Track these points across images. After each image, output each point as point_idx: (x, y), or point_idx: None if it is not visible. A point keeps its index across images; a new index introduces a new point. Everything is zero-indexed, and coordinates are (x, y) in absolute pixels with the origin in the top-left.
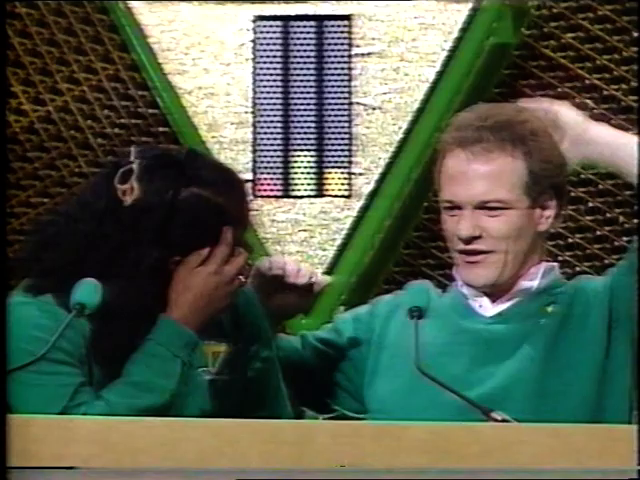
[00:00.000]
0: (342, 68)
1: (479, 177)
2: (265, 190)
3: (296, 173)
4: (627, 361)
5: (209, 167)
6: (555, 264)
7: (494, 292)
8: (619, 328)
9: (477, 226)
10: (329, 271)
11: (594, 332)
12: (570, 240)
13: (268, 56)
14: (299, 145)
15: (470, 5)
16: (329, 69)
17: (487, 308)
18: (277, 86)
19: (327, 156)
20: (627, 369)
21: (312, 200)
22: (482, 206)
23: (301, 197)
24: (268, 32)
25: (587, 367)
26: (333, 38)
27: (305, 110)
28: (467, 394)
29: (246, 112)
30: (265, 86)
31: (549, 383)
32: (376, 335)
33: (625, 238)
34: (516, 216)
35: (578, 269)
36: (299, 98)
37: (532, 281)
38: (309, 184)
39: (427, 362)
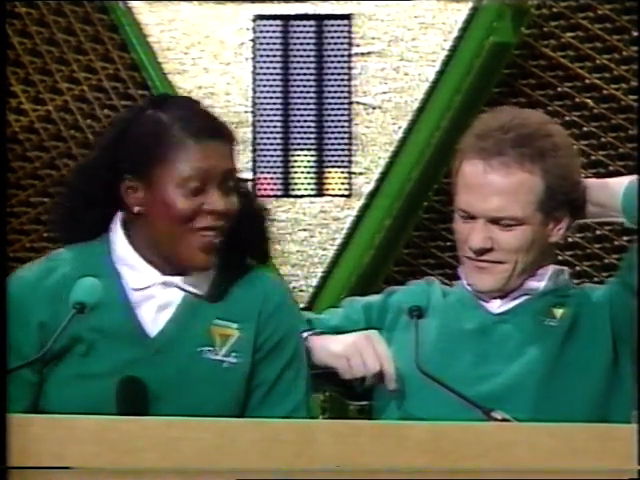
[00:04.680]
0: (342, 67)
1: (495, 192)
2: (265, 189)
3: (296, 172)
4: (631, 368)
5: (192, 107)
6: (565, 268)
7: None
8: (622, 338)
9: (489, 238)
10: (329, 270)
11: (601, 337)
12: (570, 239)
13: (268, 55)
14: (299, 144)
15: (470, 4)
16: (329, 68)
17: (494, 304)
18: (277, 85)
19: (327, 155)
20: (631, 376)
21: (312, 199)
22: (496, 220)
23: (301, 196)
24: (268, 31)
25: (594, 371)
26: (333, 37)
27: (305, 109)
28: (473, 390)
29: (246, 111)
30: (265, 85)
31: (555, 384)
32: (385, 330)
33: (625, 238)
34: (529, 231)
35: (578, 269)
36: (299, 97)
37: (540, 282)
38: (309, 183)
39: (433, 358)
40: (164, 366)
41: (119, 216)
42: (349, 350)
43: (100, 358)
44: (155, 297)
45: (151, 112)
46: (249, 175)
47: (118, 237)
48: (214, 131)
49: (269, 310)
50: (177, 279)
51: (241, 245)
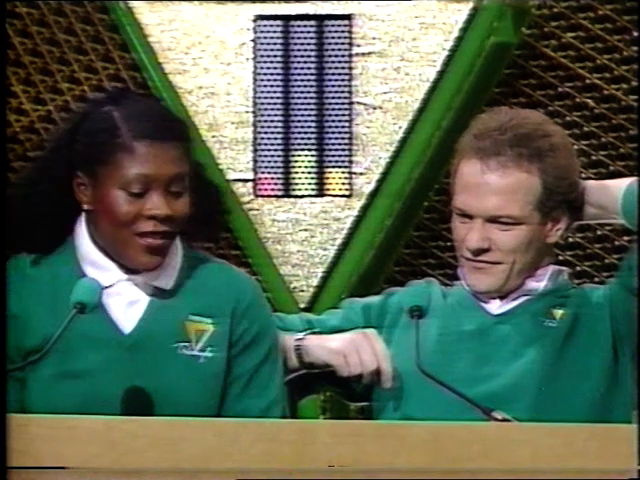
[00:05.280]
0: (342, 67)
1: (492, 191)
2: (266, 189)
3: (297, 172)
4: (631, 368)
5: (147, 106)
6: (564, 268)
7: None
8: (622, 339)
9: (486, 238)
10: (330, 270)
11: (601, 337)
12: (570, 239)
13: (269, 56)
14: (299, 144)
15: (471, 5)
16: (329, 68)
17: (493, 305)
18: (277, 85)
19: (328, 155)
20: (632, 376)
21: (313, 199)
22: (493, 220)
23: (302, 196)
24: (269, 31)
25: (594, 371)
26: (334, 37)
27: (305, 109)
28: (472, 391)
29: (246, 111)
30: (265, 85)
31: (555, 385)
32: (385, 330)
33: (626, 237)
34: (526, 231)
35: (579, 269)
36: (299, 97)
37: (539, 282)
38: (310, 183)
39: (433, 359)
40: (140, 363)
41: (83, 214)
42: (346, 347)
43: (78, 358)
44: (122, 294)
45: (106, 108)
46: (249, 175)
47: (82, 235)
48: (165, 133)
49: (243, 304)
50: (142, 275)
51: (200, 235)
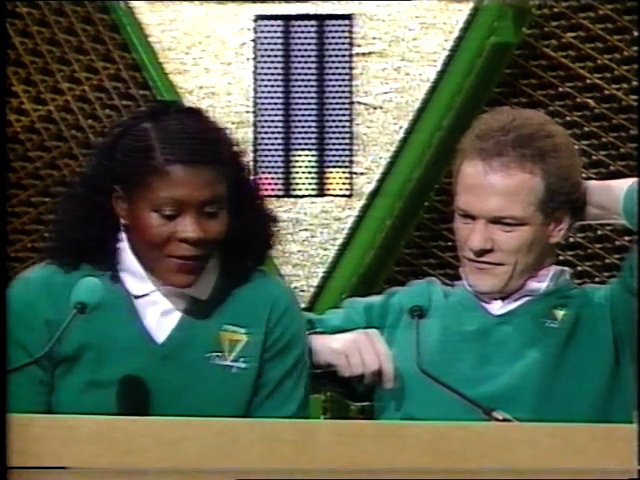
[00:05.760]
0: (343, 67)
1: (495, 192)
2: (266, 189)
3: (297, 172)
4: (632, 369)
5: (184, 127)
6: (566, 268)
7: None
8: (623, 339)
9: (489, 239)
10: (330, 270)
11: (602, 338)
12: (571, 239)
13: (269, 55)
14: (300, 144)
15: (471, 4)
16: (330, 68)
17: (495, 305)
18: (278, 85)
19: (328, 155)
20: (632, 377)
21: (313, 199)
22: (496, 221)
23: (302, 196)
24: (269, 31)
25: (596, 372)
26: (334, 37)
27: (306, 109)
28: (473, 392)
29: (247, 112)
30: (266, 85)
31: (556, 385)
32: (386, 330)
33: (626, 238)
34: (529, 232)
35: (580, 269)
36: (300, 97)
37: (541, 283)
38: (310, 183)
39: (434, 359)
40: (172, 372)
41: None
42: (348, 347)
43: (110, 365)
44: (158, 303)
45: (145, 125)
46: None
47: (123, 244)
48: (199, 156)
49: (277, 313)
50: None
51: (244, 249)
